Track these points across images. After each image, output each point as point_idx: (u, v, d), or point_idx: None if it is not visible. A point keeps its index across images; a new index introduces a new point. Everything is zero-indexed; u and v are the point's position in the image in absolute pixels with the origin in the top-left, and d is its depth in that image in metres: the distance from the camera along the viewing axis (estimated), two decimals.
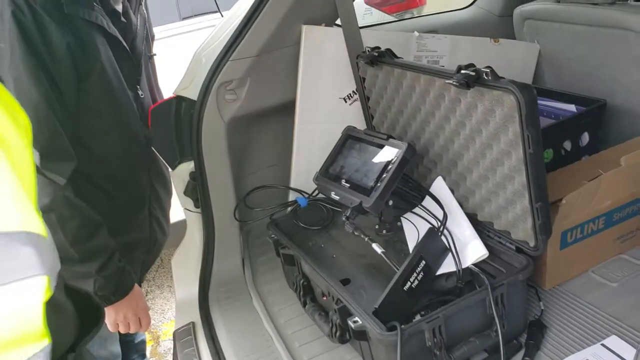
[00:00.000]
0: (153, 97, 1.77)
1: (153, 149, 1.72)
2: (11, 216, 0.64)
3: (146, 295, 3.45)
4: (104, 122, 1.51)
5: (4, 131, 0.66)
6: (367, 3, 3.58)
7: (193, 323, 1.70)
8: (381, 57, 1.62)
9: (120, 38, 1.53)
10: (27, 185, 0.67)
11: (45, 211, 1.35)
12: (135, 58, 1.61)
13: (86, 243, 1.44)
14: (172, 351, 2.96)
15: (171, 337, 3.05)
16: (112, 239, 1.51)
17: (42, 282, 0.65)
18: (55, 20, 1.36)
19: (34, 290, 0.64)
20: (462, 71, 1.27)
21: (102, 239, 1.47)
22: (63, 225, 1.39)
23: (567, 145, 1.86)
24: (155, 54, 1.82)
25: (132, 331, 1.63)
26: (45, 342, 0.65)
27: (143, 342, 2.09)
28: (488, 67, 1.23)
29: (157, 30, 3.11)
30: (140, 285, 1.80)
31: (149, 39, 1.78)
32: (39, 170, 1.33)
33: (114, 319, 1.58)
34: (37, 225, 0.66)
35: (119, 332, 1.70)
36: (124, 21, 1.57)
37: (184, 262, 1.87)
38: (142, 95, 1.63)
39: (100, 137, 1.51)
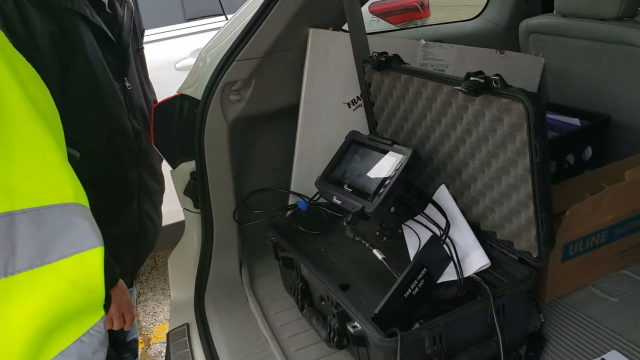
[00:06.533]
0: (143, 90, 1.75)
1: (155, 146, 1.71)
2: (66, 187, 0.66)
3: (138, 297, 3.42)
4: (89, 113, 1.48)
5: (41, 105, 0.68)
6: (371, 12, 3.60)
7: (187, 324, 1.67)
8: (388, 63, 1.61)
9: (105, 28, 1.51)
10: (65, 155, 0.69)
11: None
12: (121, 49, 1.59)
13: None
14: (163, 354, 2.93)
15: (162, 340, 3.03)
16: None
17: (100, 253, 0.66)
18: (37, 8, 1.34)
19: (95, 260, 0.65)
20: (471, 78, 1.26)
21: None
22: None
23: (571, 158, 1.86)
24: (143, 47, 1.81)
25: (115, 327, 1.59)
26: (103, 312, 0.67)
27: (135, 341, 2.05)
28: (497, 74, 1.23)
29: (160, 31, 3.13)
30: (132, 283, 1.77)
31: (137, 32, 1.76)
32: None
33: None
34: (84, 196, 0.68)
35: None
36: (109, 12, 1.56)
37: (181, 262, 1.86)
38: (129, 86, 1.61)
39: (85, 128, 1.48)
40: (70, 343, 0.62)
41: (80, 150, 1.45)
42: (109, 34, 1.53)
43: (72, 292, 0.62)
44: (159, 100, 1.87)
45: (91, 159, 1.50)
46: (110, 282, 1.51)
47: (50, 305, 0.60)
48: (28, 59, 1.31)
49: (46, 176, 0.64)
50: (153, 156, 1.75)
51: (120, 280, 1.55)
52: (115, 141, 1.56)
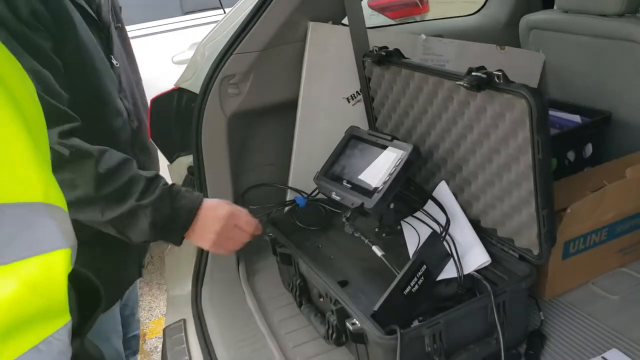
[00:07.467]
0: (131, 67, 1.71)
1: (152, 140, 1.69)
2: (34, 186, 0.61)
3: None
4: (86, 93, 1.44)
5: (17, 91, 0.63)
6: (370, 6, 3.58)
7: (184, 320, 1.66)
8: (389, 57, 1.60)
9: (85, 5, 1.47)
10: (44, 153, 0.64)
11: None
12: (104, 28, 1.55)
13: (113, 184, 1.29)
14: (158, 349, 2.92)
15: (158, 335, 3.01)
16: (139, 170, 1.36)
17: (66, 256, 0.62)
18: None
19: (57, 263, 0.61)
20: (473, 73, 1.25)
21: (127, 172, 1.32)
22: (78, 177, 1.26)
23: (571, 155, 1.85)
24: (122, 24, 1.76)
25: (247, 239, 1.46)
26: (68, 318, 0.63)
27: (136, 337, 2.01)
28: (499, 70, 1.21)
29: (158, 24, 3.11)
30: (141, 273, 1.72)
31: (116, 9, 1.72)
32: None
33: (212, 244, 1.39)
34: (57, 197, 0.64)
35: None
36: None
37: (178, 258, 1.84)
38: (116, 64, 1.57)
39: (83, 108, 1.43)
40: (24, 351, 0.57)
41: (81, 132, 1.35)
42: (90, 11, 1.48)
43: (30, 297, 0.58)
44: (150, 91, 1.84)
45: (89, 141, 1.44)
46: (187, 206, 1.34)
47: (2, 310, 0.55)
48: (18, 37, 1.26)
49: (10, 172, 0.59)
50: (145, 136, 1.70)
51: (207, 199, 1.40)
52: (111, 122, 1.51)
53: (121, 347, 1.75)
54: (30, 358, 0.57)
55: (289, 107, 1.78)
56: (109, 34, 1.54)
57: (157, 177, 1.35)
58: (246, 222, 1.44)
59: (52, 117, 1.22)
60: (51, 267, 0.60)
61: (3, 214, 0.56)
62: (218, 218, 1.38)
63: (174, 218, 1.34)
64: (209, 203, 1.39)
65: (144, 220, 1.30)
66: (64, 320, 0.62)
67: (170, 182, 1.75)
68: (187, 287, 1.74)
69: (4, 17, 1.23)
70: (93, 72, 1.43)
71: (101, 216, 1.29)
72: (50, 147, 1.20)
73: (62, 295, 0.61)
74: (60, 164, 1.22)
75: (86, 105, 1.40)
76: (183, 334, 1.61)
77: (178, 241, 1.39)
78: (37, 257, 0.59)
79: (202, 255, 1.76)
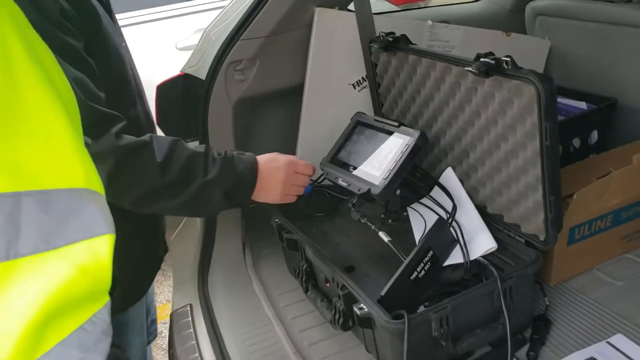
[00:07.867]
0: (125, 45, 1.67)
1: (159, 127, 1.68)
2: (77, 171, 0.62)
3: None
4: (116, 84, 1.40)
5: (60, 87, 0.64)
6: None
7: (191, 305, 1.67)
8: (396, 43, 1.59)
9: None
10: (81, 138, 0.65)
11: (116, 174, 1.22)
12: (105, 5, 1.52)
13: (175, 167, 1.28)
14: (163, 334, 2.93)
15: (162, 321, 3.02)
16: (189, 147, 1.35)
17: (111, 240, 0.63)
18: None
19: (105, 247, 0.62)
20: (481, 59, 1.24)
21: (182, 152, 1.30)
22: (142, 171, 1.25)
23: (576, 142, 1.85)
24: None
25: (307, 183, 1.48)
26: (107, 298, 0.64)
27: (154, 322, 2.00)
28: (508, 56, 1.21)
29: (161, 9, 3.10)
30: (167, 249, 1.71)
31: None
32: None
33: (280, 195, 1.41)
34: (98, 182, 0.65)
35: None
36: None
37: (184, 243, 1.85)
38: (123, 44, 1.54)
39: (114, 100, 1.38)
40: (72, 331, 0.59)
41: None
42: None
43: (79, 280, 0.59)
44: (156, 78, 1.82)
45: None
46: (247, 168, 1.35)
47: (54, 292, 0.56)
48: (53, 44, 1.22)
49: (56, 158, 0.60)
50: (150, 118, 1.68)
51: (259, 157, 1.40)
52: (134, 109, 1.48)
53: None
54: (77, 337, 0.59)
55: (294, 94, 1.77)
56: (110, 10, 1.51)
57: (209, 149, 1.36)
58: (304, 166, 1.47)
59: (103, 121, 1.22)
60: (99, 251, 0.61)
61: (51, 200, 0.57)
62: (279, 168, 1.41)
63: (240, 182, 1.35)
64: (264, 158, 1.41)
65: (217, 193, 1.31)
66: (105, 300, 0.63)
67: None
68: (194, 272, 1.75)
69: (35, 22, 1.19)
70: (118, 60, 1.39)
71: (174, 201, 1.29)
72: (111, 149, 1.21)
73: (107, 277, 0.63)
74: (122, 164, 1.23)
75: (117, 97, 1.36)
76: (190, 319, 1.62)
77: (247, 204, 1.41)
78: (86, 240, 0.60)
79: (208, 241, 1.77)
